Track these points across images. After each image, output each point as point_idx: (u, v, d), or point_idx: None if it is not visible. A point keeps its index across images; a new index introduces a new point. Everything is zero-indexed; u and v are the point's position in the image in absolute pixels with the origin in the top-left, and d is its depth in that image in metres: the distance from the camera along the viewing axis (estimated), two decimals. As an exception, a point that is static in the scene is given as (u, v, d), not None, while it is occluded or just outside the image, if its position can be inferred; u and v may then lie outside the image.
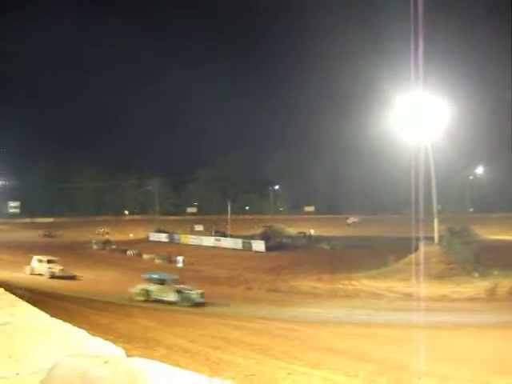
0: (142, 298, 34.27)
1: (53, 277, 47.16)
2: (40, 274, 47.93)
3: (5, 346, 3.01)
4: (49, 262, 49.92)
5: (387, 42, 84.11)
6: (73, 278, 49.03)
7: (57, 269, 48.87)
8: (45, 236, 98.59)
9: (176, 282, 36.03)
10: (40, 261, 50.00)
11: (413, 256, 44.26)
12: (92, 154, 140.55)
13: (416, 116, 47.38)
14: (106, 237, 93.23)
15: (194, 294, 33.88)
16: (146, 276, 37.15)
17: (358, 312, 29.76)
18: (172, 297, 33.76)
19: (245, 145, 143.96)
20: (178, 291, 33.91)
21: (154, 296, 34.39)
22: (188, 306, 32.28)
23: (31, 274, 48.13)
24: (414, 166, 40.30)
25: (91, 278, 48.92)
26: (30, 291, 26.10)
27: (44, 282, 44.21)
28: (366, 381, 11.80)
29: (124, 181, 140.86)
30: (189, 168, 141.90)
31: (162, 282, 35.35)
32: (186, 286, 35.28)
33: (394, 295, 36.91)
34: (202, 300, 33.64)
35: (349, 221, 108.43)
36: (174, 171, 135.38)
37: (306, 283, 44.75)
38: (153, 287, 35.07)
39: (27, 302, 4.89)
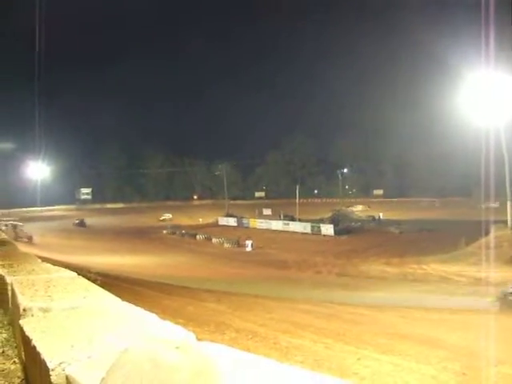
0: None
1: None
2: None
3: (77, 329, 3.06)
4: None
5: (457, 21, 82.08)
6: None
7: None
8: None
9: None
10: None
11: (484, 240, 43.36)
12: (160, 139, 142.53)
13: (487, 96, 46.30)
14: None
15: None
16: None
17: (427, 297, 29.27)
18: None
19: (313, 128, 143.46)
20: None
21: None
22: None
23: None
24: (485, 148, 39.40)
25: (162, 262, 49.65)
26: (102, 275, 26.71)
27: (117, 265, 45.14)
28: (438, 367, 11.60)
29: (192, 166, 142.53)
30: (256, 152, 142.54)
31: None
32: None
33: (464, 280, 36.08)
34: None
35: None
36: (242, 156, 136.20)
37: (375, 267, 44.40)
38: None
39: (99, 286, 4.98)
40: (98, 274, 27.40)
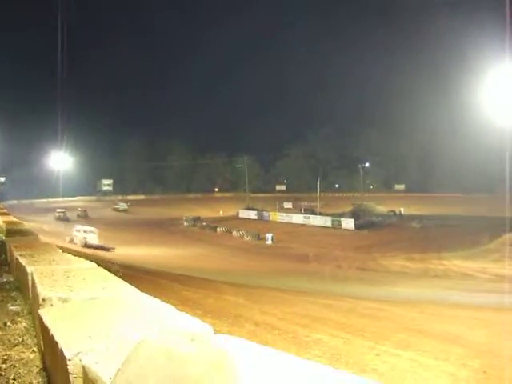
0: None
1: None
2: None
3: (96, 319, 3.08)
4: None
5: (481, 16, 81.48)
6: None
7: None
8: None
9: None
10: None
11: (507, 236, 43.06)
12: (182, 132, 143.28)
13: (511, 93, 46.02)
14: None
15: None
16: None
17: (448, 293, 29.07)
18: None
19: (335, 122, 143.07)
20: None
21: None
22: None
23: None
24: (509, 144, 39.11)
25: (182, 254, 49.84)
26: (123, 266, 26.86)
27: (138, 257, 45.41)
28: (457, 365, 11.51)
29: (214, 159, 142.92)
30: (278, 146, 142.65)
31: None
32: None
33: (486, 276, 35.86)
34: None
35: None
36: (264, 149, 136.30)
37: (396, 262, 44.26)
38: None
39: (119, 277, 5.01)
40: (120, 265, 27.58)
